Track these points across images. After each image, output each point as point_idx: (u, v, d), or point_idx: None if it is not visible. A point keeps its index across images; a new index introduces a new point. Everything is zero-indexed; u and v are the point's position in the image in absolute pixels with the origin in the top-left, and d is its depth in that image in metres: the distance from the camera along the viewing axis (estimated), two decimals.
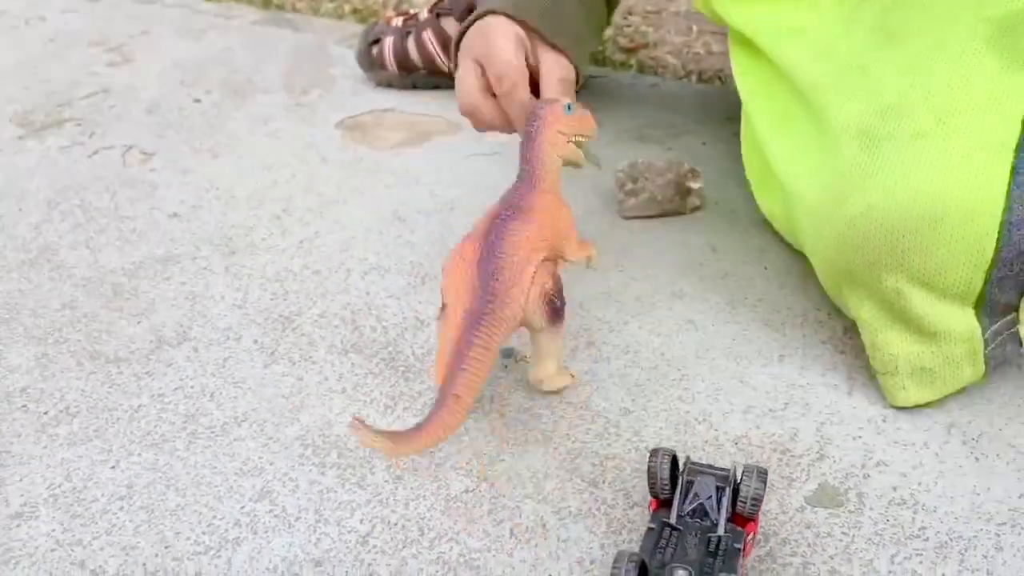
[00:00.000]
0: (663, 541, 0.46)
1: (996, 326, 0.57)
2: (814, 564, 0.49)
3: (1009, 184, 0.52)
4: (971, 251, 0.52)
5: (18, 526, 0.52)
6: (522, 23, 0.65)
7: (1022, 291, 0.56)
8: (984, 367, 0.58)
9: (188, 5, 1.41)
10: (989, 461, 0.55)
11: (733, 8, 0.71)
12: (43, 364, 0.65)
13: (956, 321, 0.55)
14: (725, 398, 0.61)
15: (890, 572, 0.48)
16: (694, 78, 1.13)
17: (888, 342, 0.57)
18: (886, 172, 0.53)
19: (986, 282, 0.54)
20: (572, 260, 0.60)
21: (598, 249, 0.62)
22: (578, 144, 0.60)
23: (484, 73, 0.64)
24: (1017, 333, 0.58)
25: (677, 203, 0.81)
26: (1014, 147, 0.52)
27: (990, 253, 0.52)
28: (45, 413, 0.61)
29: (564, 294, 0.57)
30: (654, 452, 0.50)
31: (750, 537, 0.48)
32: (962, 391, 0.60)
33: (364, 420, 0.52)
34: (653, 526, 0.47)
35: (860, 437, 0.57)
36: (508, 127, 0.66)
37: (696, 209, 0.82)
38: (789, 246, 0.77)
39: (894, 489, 0.53)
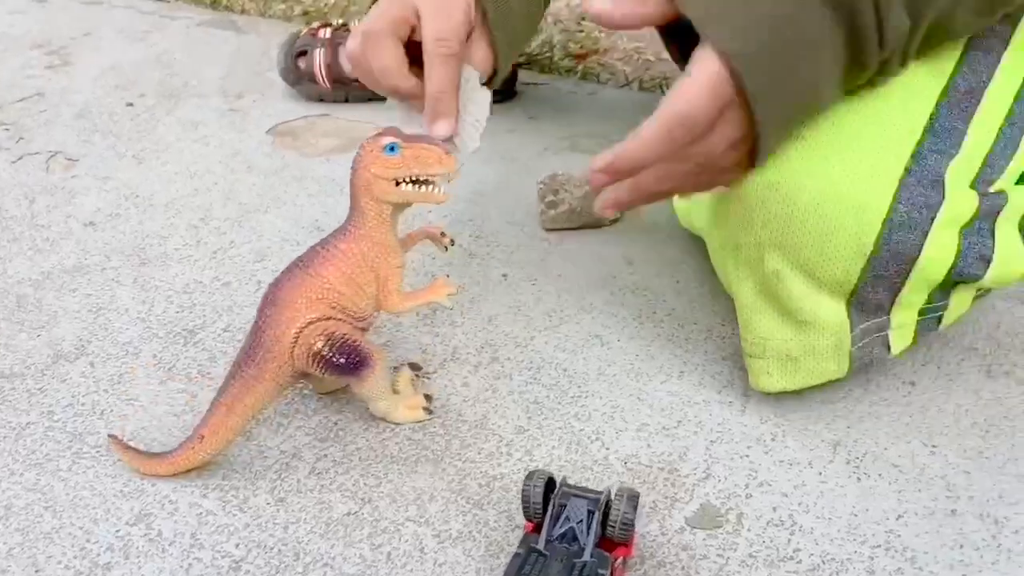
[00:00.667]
0: (527, 567, 0.45)
1: (865, 325, 0.57)
2: None
3: (899, 185, 0.52)
4: (852, 243, 0.52)
5: None
6: None
7: (894, 295, 0.56)
8: (848, 364, 0.58)
9: (134, 6, 1.39)
10: (871, 481, 0.55)
11: None
12: None
13: (827, 312, 0.56)
14: (620, 416, 0.61)
15: None
16: (635, 86, 1.12)
17: (760, 325, 0.57)
18: (789, 151, 0.53)
19: (861, 278, 0.54)
20: (394, 313, 0.58)
21: (444, 292, 0.57)
22: (424, 182, 0.55)
23: (413, 21, 0.57)
24: (886, 337, 0.58)
25: (596, 215, 0.81)
26: (911, 150, 0.53)
27: (869, 249, 0.52)
28: None
29: (360, 350, 0.55)
30: (529, 475, 0.49)
31: (619, 562, 0.48)
32: (850, 410, 0.60)
33: (119, 437, 0.56)
34: (520, 551, 0.47)
35: (747, 456, 0.57)
36: (416, 93, 0.58)
37: (615, 221, 0.81)
38: (704, 260, 0.77)
39: (774, 510, 0.53)
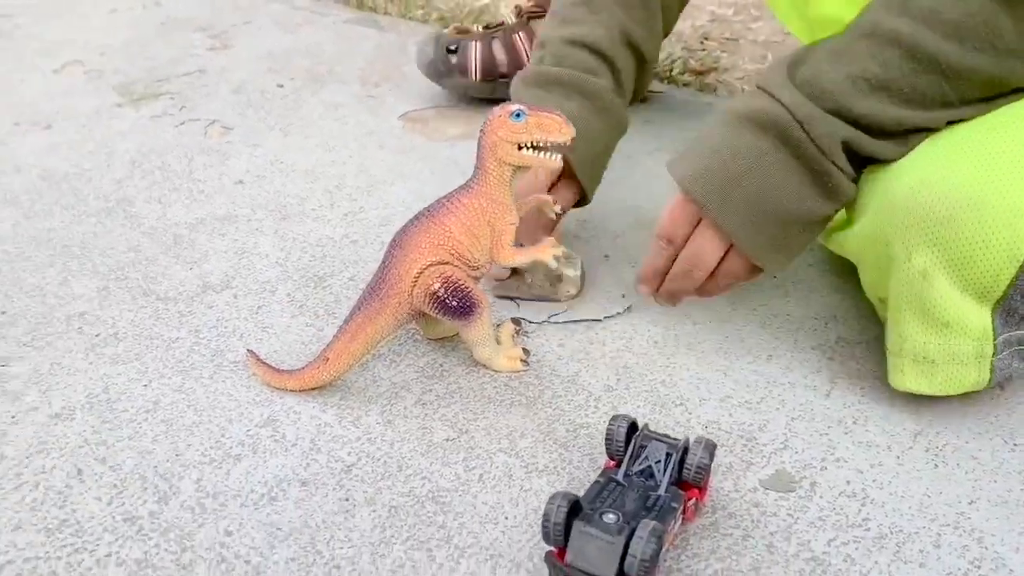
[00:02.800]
0: (605, 492, 0.50)
1: (1007, 335, 0.57)
2: (753, 538, 0.52)
3: None
4: (1006, 245, 0.53)
5: (55, 424, 0.60)
6: None
7: None
8: (990, 375, 0.58)
9: (289, 1, 1.52)
10: (948, 468, 0.56)
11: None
12: (103, 295, 0.74)
13: (971, 316, 0.56)
14: (705, 387, 0.64)
15: (824, 553, 0.51)
16: None
17: (900, 321, 0.58)
18: (948, 150, 0.55)
19: (1011, 284, 0.54)
20: (505, 265, 0.63)
21: (550, 252, 0.61)
22: (543, 149, 0.59)
23: None
24: None
25: (547, 289, 0.73)
26: None
27: (1022, 256, 0.53)
28: (96, 335, 0.69)
29: (471, 296, 0.61)
30: (614, 417, 0.54)
31: (691, 502, 0.51)
32: (935, 405, 0.61)
33: (256, 353, 0.64)
34: (600, 479, 0.51)
35: (827, 434, 0.59)
36: None
37: (571, 297, 0.73)
38: (801, 259, 0.79)
39: (847, 483, 0.56)
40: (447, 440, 0.59)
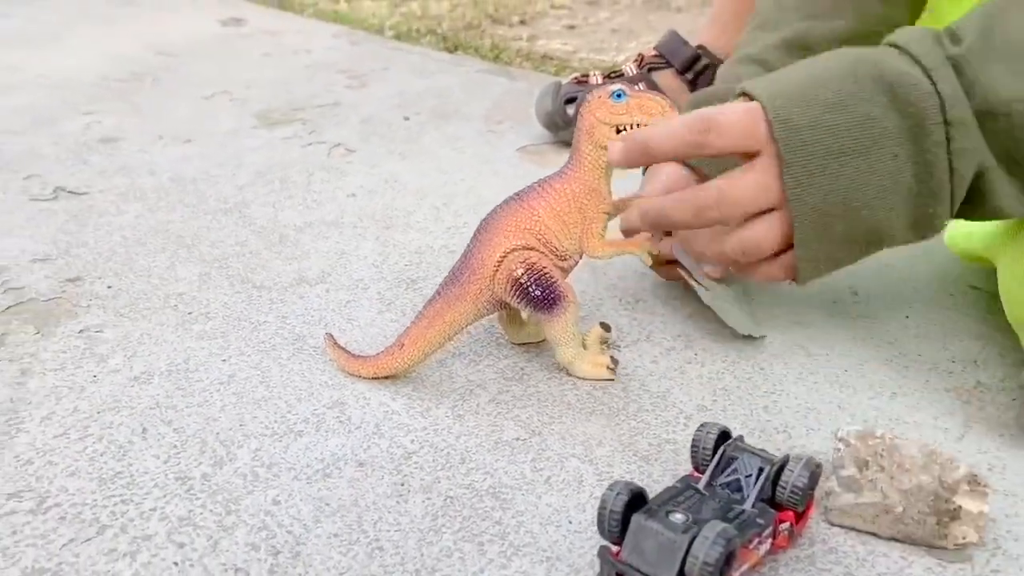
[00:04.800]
0: (681, 497, 0.43)
1: None
2: None
3: None
4: None
5: (132, 386, 0.60)
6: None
7: None
8: None
9: (428, 54, 1.57)
10: None
11: None
12: (203, 280, 0.75)
13: None
14: (815, 417, 0.57)
15: None
16: None
17: None
18: None
19: None
20: (594, 257, 0.58)
21: (645, 246, 0.57)
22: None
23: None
24: None
25: (929, 530, 0.45)
26: None
27: None
28: (189, 313, 0.69)
29: (556, 287, 0.57)
30: (703, 424, 0.48)
31: (784, 527, 0.44)
32: None
33: (334, 337, 0.61)
34: (678, 485, 0.45)
35: None
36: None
37: (966, 546, 0.46)
38: (939, 301, 0.71)
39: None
40: (517, 439, 0.55)
